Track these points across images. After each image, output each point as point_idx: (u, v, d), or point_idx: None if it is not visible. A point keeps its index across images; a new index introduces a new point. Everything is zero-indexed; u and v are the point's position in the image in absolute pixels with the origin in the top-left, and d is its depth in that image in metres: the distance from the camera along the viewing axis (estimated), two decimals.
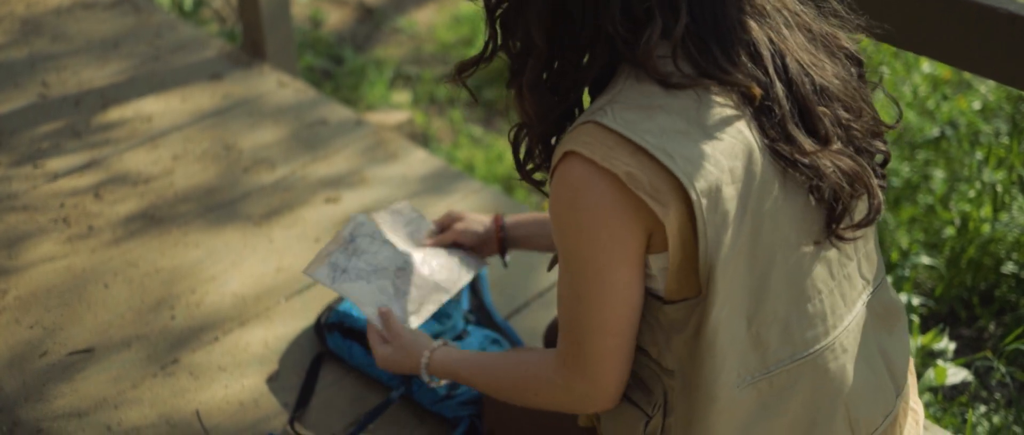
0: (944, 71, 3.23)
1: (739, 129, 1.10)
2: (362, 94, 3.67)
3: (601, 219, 1.09)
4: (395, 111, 3.50)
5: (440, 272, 1.70)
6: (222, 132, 2.63)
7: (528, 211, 2.39)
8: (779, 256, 1.14)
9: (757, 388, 1.17)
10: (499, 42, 1.18)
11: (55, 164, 2.48)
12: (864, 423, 1.24)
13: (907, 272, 2.48)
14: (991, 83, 3.15)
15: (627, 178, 1.06)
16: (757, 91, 1.09)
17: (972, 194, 2.63)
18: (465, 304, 1.93)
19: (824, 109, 1.14)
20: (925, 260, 2.52)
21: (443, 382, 1.50)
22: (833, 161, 1.12)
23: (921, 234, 2.66)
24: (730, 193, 1.08)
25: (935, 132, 2.85)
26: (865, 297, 1.25)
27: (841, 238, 1.17)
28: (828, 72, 1.16)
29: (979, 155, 2.74)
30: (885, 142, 1.23)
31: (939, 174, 2.77)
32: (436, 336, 1.77)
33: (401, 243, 1.71)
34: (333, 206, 2.36)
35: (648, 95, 1.09)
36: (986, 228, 2.54)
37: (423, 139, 3.43)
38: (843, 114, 1.16)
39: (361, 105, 3.59)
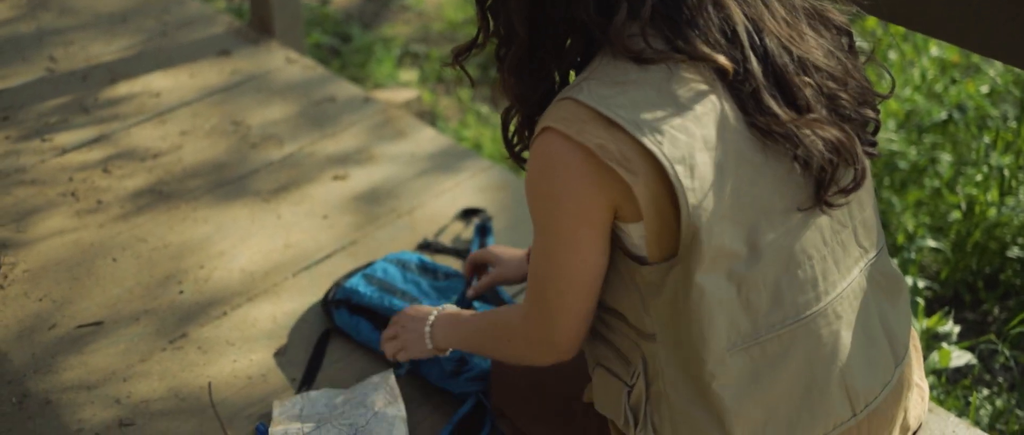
0: (952, 54, 3.22)
1: (711, 100, 1.14)
2: (370, 72, 3.67)
3: (569, 189, 1.15)
4: (403, 89, 3.50)
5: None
6: (230, 108, 2.63)
7: None
8: (764, 222, 1.16)
9: (749, 354, 1.19)
10: (490, 29, 1.25)
11: (63, 138, 2.49)
12: (862, 393, 1.25)
13: (913, 255, 2.48)
14: (999, 66, 3.14)
15: (598, 150, 1.11)
16: (728, 64, 1.13)
17: (979, 178, 2.63)
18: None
19: (805, 79, 1.17)
20: (931, 243, 2.52)
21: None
22: (814, 130, 1.16)
23: (927, 217, 2.67)
24: (705, 159, 1.12)
25: (943, 115, 2.85)
26: (862, 264, 1.26)
27: (829, 204, 1.20)
28: (810, 44, 1.20)
29: (986, 139, 2.74)
30: (876, 110, 1.26)
31: (946, 158, 2.77)
32: None
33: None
34: (341, 183, 2.37)
35: (622, 71, 1.14)
36: (992, 212, 2.54)
37: (430, 117, 3.43)
38: (829, 84, 1.19)
39: (368, 83, 3.59)
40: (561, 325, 1.27)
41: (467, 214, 2.26)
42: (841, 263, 1.23)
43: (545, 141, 1.15)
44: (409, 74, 3.72)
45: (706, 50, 1.13)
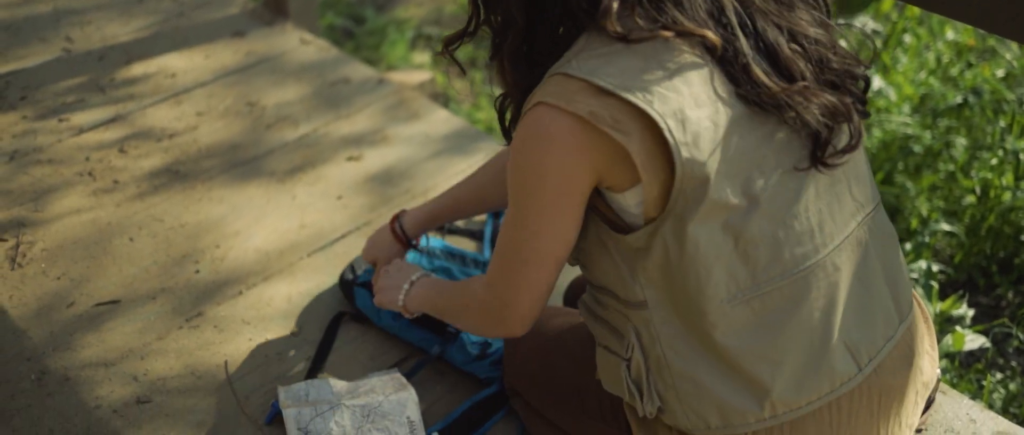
0: (968, 38, 3.21)
1: (701, 69, 1.16)
2: (383, 54, 3.67)
3: (556, 160, 1.17)
4: (416, 71, 3.50)
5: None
6: (245, 89, 2.64)
7: None
8: (757, 174, 1.18)
9: (751, 306, 1.21)
10: (482, 17, 1.27)
11: (80, 118, 2.50)
12: (865, 347, 1.26)
13: (927, 239, 2.48)
14: (1016, 50, 3.13)
15: (590, 116, 1.13)
16: (716, 39, 1.16)
17: (994, 162, 2.62)
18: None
19: (795, 48, 1.21)
20: (945, 227, 2.52)
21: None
22: (807, 97, 1.18)
23: (941, 202, 2.66)
24: (697, 115, 1.14)
25: (958, 99, 2.84)
26: (859, 218, 1.28)
27: (826, 165, 1.22)
28: (797, 17, 1.23)
29: (1002, 123, 2.73)
30: (864, 71, 1.28)
31: (961, 142, 2.76)
32: None
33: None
34: (356, 164, 2.38)
35: (609, 44, 1.17)
36: (1007, 196, 2.53)
37: (444, 100, 3.43)
38: (820, 51, 1.23)
39: (382, 65, 3.59)
40: (517, 299, 1.30)
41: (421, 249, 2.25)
42: (837, 216, 1.25)
43: (535, 113, 1.17)
44: (422, 56, 3.73)
45: (692, 26, 1.16)
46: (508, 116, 1.33)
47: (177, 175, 2.32)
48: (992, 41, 3.24)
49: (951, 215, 2.63)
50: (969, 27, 3.29)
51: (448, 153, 2.43)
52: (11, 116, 2.51)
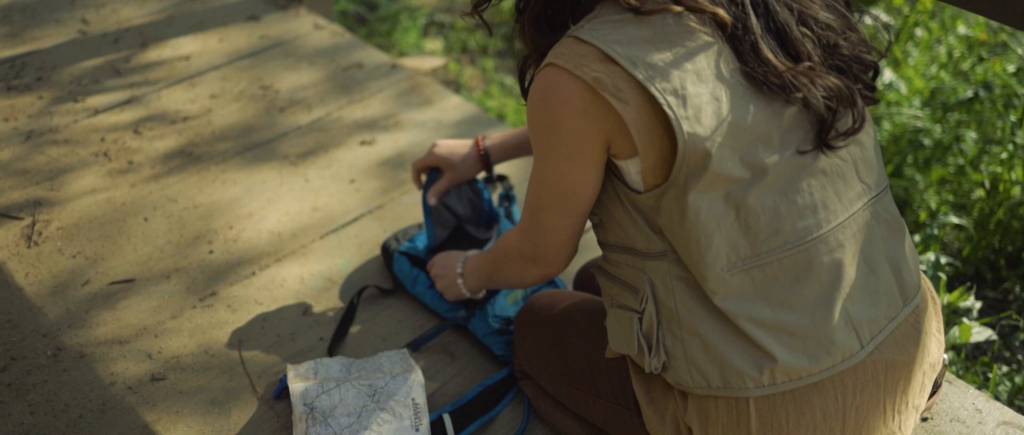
0: (980, 33, 3.21)
1: (708, 44, 1.20)
2: (395, 41, 3.69)
3: (565, 118, 1.22)
4: (429, 57, 3.51)
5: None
6: (259, 72, 2.65)
7: None
8: (761, 148, 1.21)
9: (750, 275, 1.24)
10: None
11: (95, 100, 2.52)
12: (867, 325, 1.28)
13: (935, 232, 2.49)
14: None
15: (594, 82, 1.18)
16: (726, 16, 1.20)
17: (1004, 156, 2.63)
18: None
19: (804, 31, 1.24)
20: (953, 220, 2.53)
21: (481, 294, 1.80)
22: (812, 78, 1.22)
23: (950, 195, 2.67)
24: (699, 91, 1.18)
25: (968, 93, 2.84)
26: (866, 200, 1.30)
27: (830, 147, 1.25)
28: (808, 1, 1.26)
29: (1012, 117, 2.74)
30: (874, 58, 1.31)
31: (971, 136, 2.76)
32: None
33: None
34: (368, 149, 2.39)
35: (621, 12, 1.21)
36: (1016, 191, 2.54)
37: (455, 87, 3.44)
38: (828, 34, 1.26)
39: (394, 51, 3.61)
40: (550, 242, 1.40)
41: (490, 181, 2.28)
42: (842, 195, 1.28)
43: (546, 74, 1.23)
44: (434, 43, 3.74)
45: (705, 3, 1.19)
46: (528, 77, 1.37)
47: (191, 157, 2.34)
48: (1004, 35, 3.24)
49: (960, 208, 2.64)
50: (981, 22, 3.29)
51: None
52: (27, 97, 2.53)
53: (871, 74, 1.32)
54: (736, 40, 1.21)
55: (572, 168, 1.28)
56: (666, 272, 1.28)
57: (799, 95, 1.20)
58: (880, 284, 1.31)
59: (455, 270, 1.77)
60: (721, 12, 1.19)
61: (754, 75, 1.20)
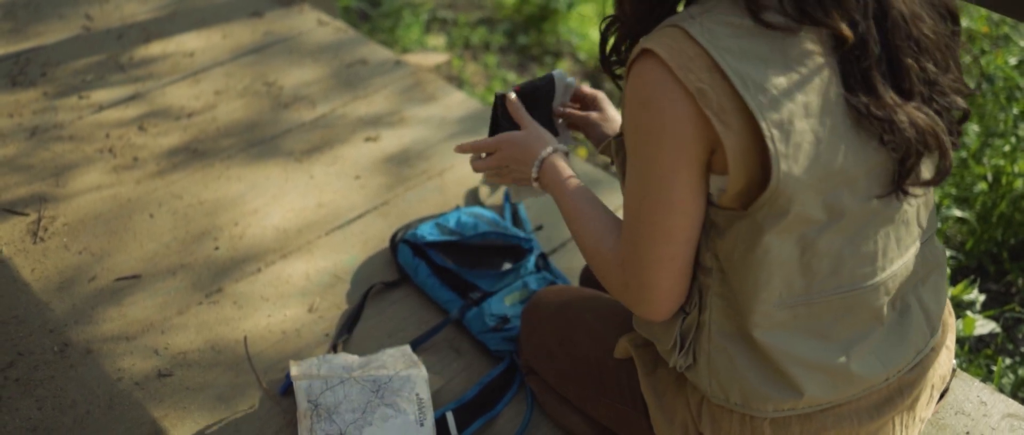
0: (981, 25, 3.21)
1: (820, 68, 1.10)
2: (398, 37, 3.69)
3: (668, 125, 1.10)
4: (433, 53, 3.52)
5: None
6: (263, 69, 2.66)
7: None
8: (846, 193, 1.15)
9: (794, 311, 1.20)
10: None
11: (100, 96, 2.53)
12: (896, 362, 1.28)
13: (938, 225, 2.49)
14: None
15: (698, 94, 1.07)
16: (849, 34, 1.09)
17: (1006, 149, 2.63)
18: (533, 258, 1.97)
19: (912, 62, 1.14)
20: (956, 213, 2.53)
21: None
22: (909, 116, 1.12)
23: (953, 188, 2.67)
24: (803, 127, 1.08)
25: (970, 86, 2.84)
26: (919, 244, 1.27)
27: (906, 192, 1.18)
28: (926, 25, 1.16)
29: (1015, 110, 2.74)
30: (965, 100, 1.23)
31: (973, 128, 2.77)
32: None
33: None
34: (372, 145, 2.40)
35: (740, 15, 1.10)
36: (1019, 183, 2.54)
37: (458, 83, 3.45)
38: (931, 69, 1.16)
39: (397, 48, 3.61)
40: (655, 280, 1.20)
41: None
42: (902, 242, 1.24)
43: (646, 67, 1.11)
44: (437, 40, 3.74)
45: (832, 20, 1.09)
46: (611, 42, 1.26)
47: (196, 153, 2.35)
48: (1006, 28, 3.24)
49: (963, 201, 2.64)
50: (983, 14, 3.29)
51: (464, 134, 2.44)
52: (32, 92, 2.54)
53: (960, 117, 1.24)
54: (849, 62, 1.11)
55: (678, 177, 1.14)
56: (709, 287, 1.24)
57: (890, 137, 1.12)
58: (913, 322, 1.29)
59: (539, 154, 1.45)
60: (845, 29, 1.09)
61: (857, 105, 1.11)
